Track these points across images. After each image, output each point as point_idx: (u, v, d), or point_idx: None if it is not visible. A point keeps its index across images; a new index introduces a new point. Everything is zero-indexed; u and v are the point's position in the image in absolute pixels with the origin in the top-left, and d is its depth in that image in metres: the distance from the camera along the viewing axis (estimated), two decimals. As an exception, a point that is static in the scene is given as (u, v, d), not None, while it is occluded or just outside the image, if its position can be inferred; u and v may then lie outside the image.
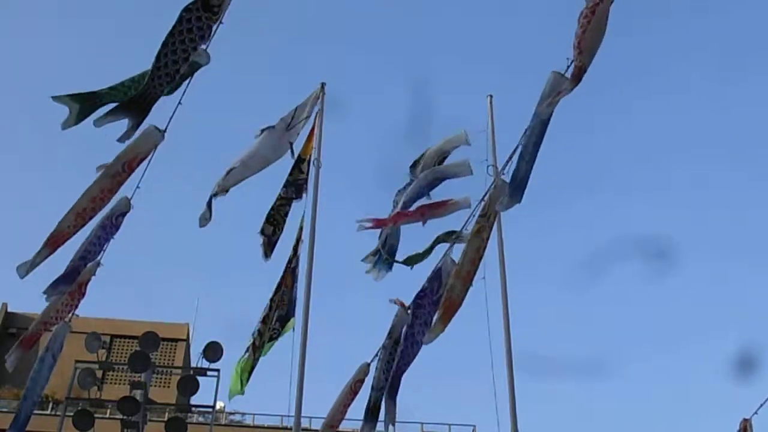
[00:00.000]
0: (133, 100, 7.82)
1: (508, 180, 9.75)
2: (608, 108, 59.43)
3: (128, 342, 31.03)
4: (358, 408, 11.97)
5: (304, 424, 18.89)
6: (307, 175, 13.36)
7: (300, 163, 13.41)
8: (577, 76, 7.61)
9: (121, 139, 8.43)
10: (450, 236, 13.20)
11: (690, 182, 58.31)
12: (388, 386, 10.81)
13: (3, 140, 54.11)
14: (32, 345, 9.45)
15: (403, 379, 10.83)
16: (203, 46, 7.73)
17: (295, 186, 13.33)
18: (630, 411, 47.34)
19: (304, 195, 13.27)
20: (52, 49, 59.13)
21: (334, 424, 11.17)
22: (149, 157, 9.25)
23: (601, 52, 7.64)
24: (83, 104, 8.47)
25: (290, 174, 13.37)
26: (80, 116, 8.44)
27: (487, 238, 9.83)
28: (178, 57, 7.56)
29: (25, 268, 8.56)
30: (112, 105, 8.52)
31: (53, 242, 8.77)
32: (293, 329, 12.90)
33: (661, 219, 50.06)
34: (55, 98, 8.41)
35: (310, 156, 13.45)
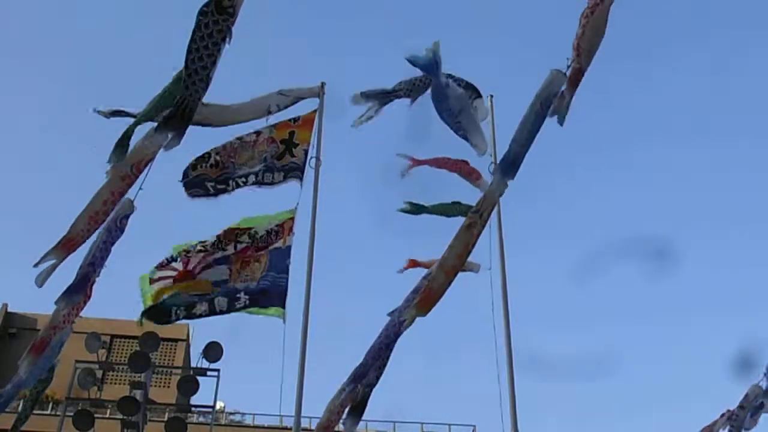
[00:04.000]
0: (173, 115, 7.89)
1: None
2: (609, 105, 59.43)
3: (128, 342, 31.02)
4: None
5: (304, 424, 18.84)
6: (303, 164, 13.08)
7: (292, 146, 13.18)
8: (575, 79, 7.57)
9: (167, 148, 8.46)
10: (454, 209, 13.13)
11: (691, 183, 58.36)
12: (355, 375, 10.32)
13: (3, 140, 54.17)
14: (43, 350, 9.46)
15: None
16: (228, 46, 7.70)
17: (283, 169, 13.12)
18: (630, 411, 47.38)
19: (297, 182, 12.97)
20: (53, 48, 59.18)
21: (330, 424, 11.02)
22: (154, 159, 9.26)
23: (605, 43, 7.57)
24: (125, 140, 8.66)
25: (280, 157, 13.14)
26: (124, 148, 8.60)
27: (477, 235, 9.52)
28: (206, 62, 7.56)
29: (42, 278, 8.55)
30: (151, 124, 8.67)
31: (67, 246, 8.74)
32: (284, 320, 12.53)
33: (662, 219, 50.12)
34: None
35: (307, 149, 13.19)
